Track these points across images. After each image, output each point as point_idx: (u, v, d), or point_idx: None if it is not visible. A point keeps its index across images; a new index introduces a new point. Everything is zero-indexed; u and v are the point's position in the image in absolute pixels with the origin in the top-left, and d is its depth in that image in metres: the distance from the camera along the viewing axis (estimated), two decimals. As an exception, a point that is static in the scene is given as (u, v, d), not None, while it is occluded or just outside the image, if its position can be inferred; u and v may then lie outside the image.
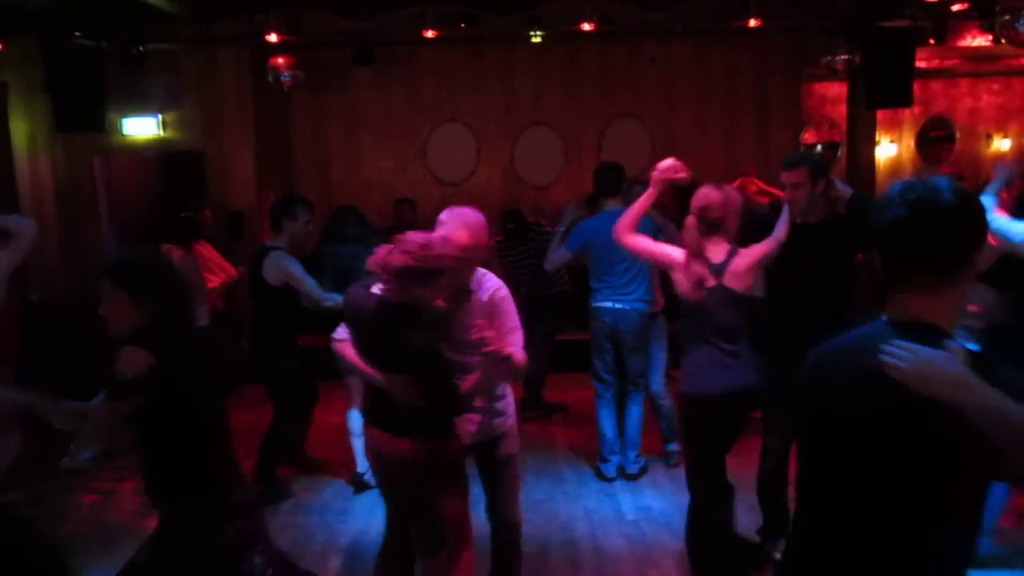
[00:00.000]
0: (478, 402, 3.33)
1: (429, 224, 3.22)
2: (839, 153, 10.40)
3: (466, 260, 3.12)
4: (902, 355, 1.61)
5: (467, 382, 3.22)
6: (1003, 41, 7.27)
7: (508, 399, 3.45)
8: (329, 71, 8.78)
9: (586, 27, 8.02)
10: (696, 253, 3.54)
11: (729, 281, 3.52)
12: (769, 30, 8.54)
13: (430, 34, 7.73)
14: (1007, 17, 6.39)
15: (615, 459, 5.41)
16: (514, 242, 6.76)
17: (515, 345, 3.18)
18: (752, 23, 7.99)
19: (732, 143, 9.19)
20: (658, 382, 5.52)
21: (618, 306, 5.20)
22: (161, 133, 8.10)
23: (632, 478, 5.38)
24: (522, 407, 6.98)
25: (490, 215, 7.35)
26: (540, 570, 4.23)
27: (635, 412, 5.40)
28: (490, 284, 3.28)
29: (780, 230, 3.71)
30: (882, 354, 1.63)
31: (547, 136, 9.09)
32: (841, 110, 9.68)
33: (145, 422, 2.59)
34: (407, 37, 8.10)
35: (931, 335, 1.67)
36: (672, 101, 9.13)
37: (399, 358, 2.95)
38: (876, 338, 1.69)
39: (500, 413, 3.41)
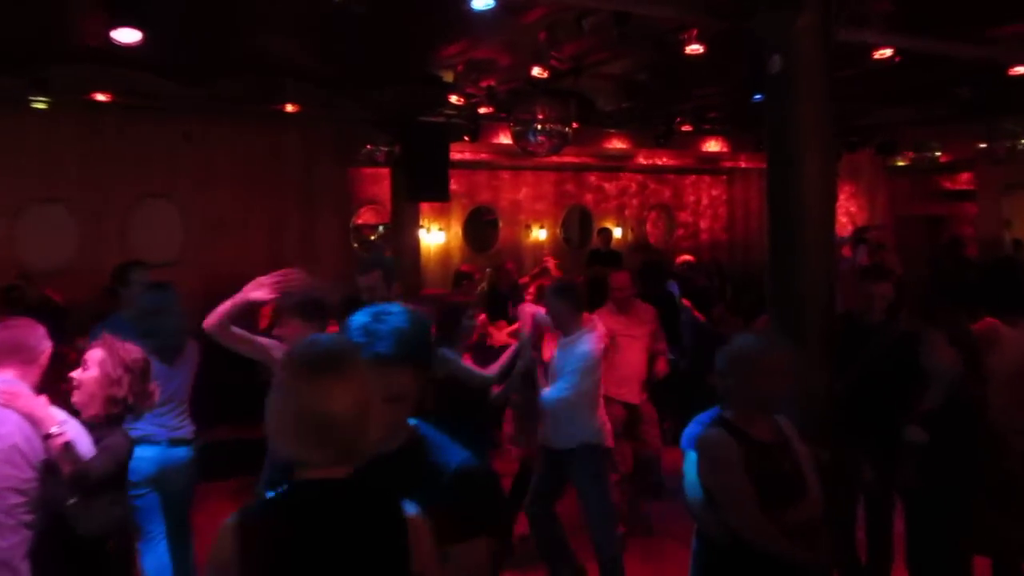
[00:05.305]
0: None
1: None
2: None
3: None
4: None
5: None
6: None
7: None
8: None
9: (101, 97, 7.08)
10: None
11: None
12: (313, 116, 8.32)
13: None
14: (519, 128, 6.82)
15: None
16: None
17: None
18: (290, 108, 7.71)
19: (278, 227, 8.75)
20: None
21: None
22: None
23: None
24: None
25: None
26: None
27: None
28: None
29: None
30: None
31: (58, 215, 7.80)
32: (393, 194, 9.74)
33: None
34: None
35: None
36: (210, 182, 8.42)
37: None
38: None
39: None
